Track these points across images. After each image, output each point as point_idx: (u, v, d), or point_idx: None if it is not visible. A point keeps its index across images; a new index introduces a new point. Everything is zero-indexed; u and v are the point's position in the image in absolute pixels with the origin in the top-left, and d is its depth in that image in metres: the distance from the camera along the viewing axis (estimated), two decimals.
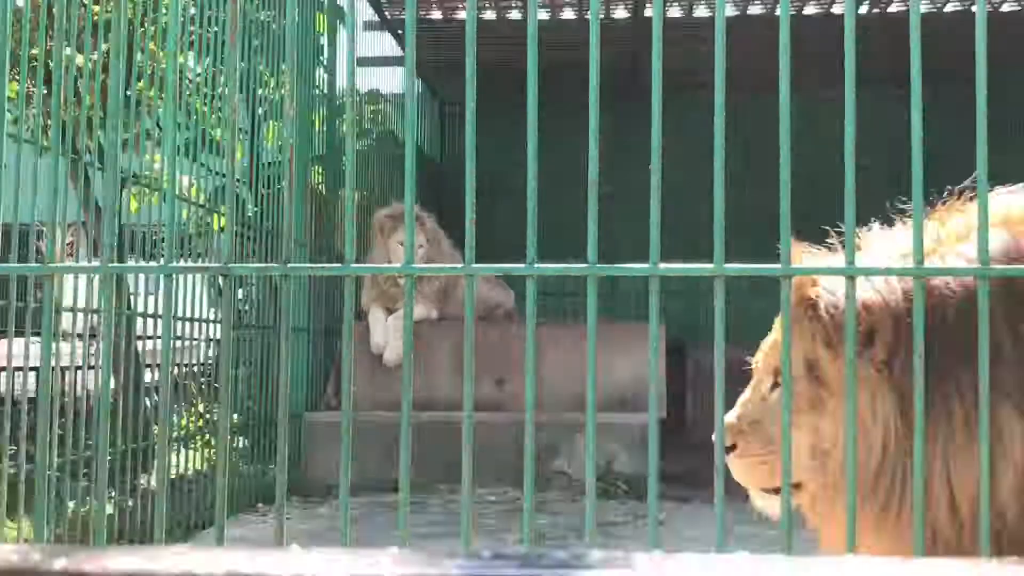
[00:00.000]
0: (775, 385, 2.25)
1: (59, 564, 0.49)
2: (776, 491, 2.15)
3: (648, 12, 8.09)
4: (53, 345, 3.80)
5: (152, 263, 1.90)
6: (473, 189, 1.82)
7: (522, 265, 1.89)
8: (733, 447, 2.25)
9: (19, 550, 0.50)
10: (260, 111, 7.07)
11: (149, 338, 6.43)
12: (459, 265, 1.87)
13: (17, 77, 4.48)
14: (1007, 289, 1.95)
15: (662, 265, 1.69)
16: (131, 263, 5.29)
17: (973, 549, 1.99)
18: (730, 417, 2.27)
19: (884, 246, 2.14)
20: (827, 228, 2.19)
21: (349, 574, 0.55)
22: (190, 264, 1.94)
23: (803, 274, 2.05)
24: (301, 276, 7.23)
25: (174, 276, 1.96)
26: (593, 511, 1.71)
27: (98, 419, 4.67)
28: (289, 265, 1.89)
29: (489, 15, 9.65)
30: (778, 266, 1.76)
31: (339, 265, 1.89)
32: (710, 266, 1.73)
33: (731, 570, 0.54)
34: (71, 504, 4.58)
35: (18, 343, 4.21)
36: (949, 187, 2.20)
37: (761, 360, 2.34)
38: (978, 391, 1.74)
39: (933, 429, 1.98)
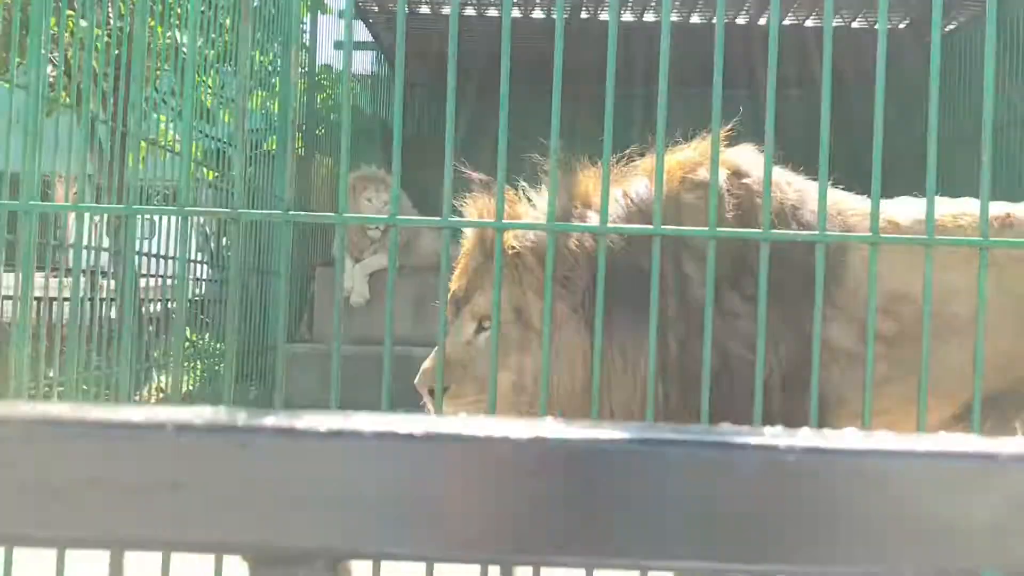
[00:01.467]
0: (479, 329, 2.14)
1: (269, 421, 0.48)
2: None
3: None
4: (70, 278, 3.68)
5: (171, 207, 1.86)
6: (452, 156, 1.82)
7: (492, 220, 1.89)
8: (445, 389, 2.05)
9: (222, 411, 0.49)
10: (248, 82, 6.92)
11: (144, 276, 6.32)
12: (437, 218, 1.87)
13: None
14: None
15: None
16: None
17: None
18: (428, 362, 2.12)
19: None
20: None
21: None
22: (204, 208, 1.90)
23: (457, 226, 1.99)
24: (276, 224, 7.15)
25: (189, 219, 1.93)
26: None
27: (119, 341, 4.60)
28: (290, 212, 1.86)
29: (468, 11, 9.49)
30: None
31: (334, 214, 1.87)
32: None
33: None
34: None
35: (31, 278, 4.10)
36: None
37: (463, 306, 2.19)
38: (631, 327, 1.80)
39: (609, 356, 2.01)
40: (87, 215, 4.65)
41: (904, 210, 2.23)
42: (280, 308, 1.97)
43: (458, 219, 1.90)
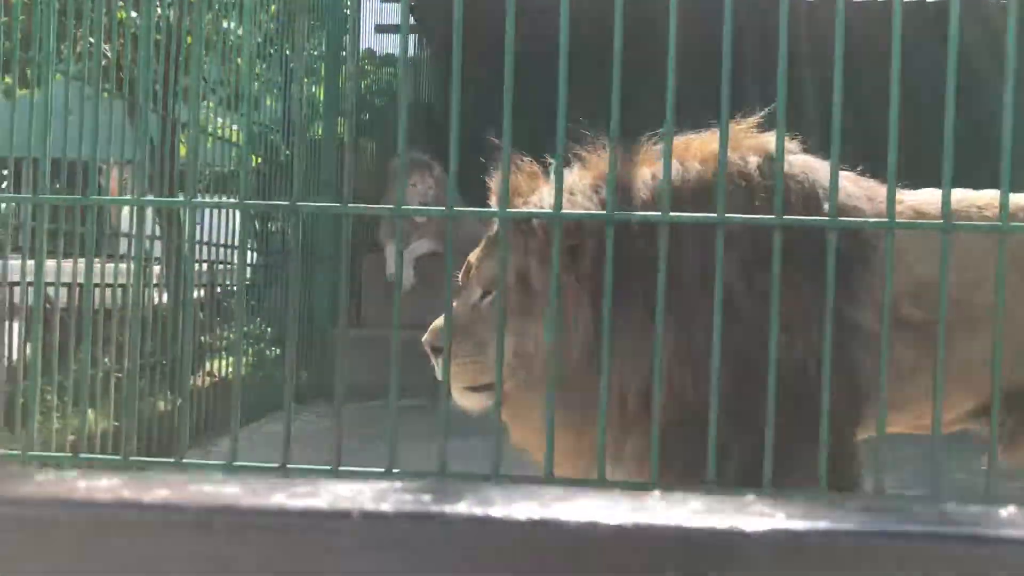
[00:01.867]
0: (484, 294, 2.19)
1: (463, 508, 0.44)
2: (483, 388, 2.14)
3: None
4: (119, 267, 3.74)
5: (231, 199, 1.88)
6: (510, 145, 1.81)
7: (548, 211, 1.89)
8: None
9: (405, 494, 0.46)
10: (292, 67, 6.97)
11: (196, 262, 6.40)
12: (494, 208, 1.87)
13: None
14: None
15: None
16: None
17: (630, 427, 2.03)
18: (438, 322, 2.18)
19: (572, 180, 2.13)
20: None
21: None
22: (263, 201, 1.91)
23: (516, 216, 1.97)
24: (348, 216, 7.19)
25: (249, 212, 1.95)
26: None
27: (183, 329, 4.66)
28: (349, 205, 1.87)
29: None
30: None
31: (391, 207, 1.88)
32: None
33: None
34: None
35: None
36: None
37: (471, 274, 2.25)
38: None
39: (617, 333, 2.00)
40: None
41: (935, 198, 2.19)
42: (340, 299, 1.98)
43: (516, 210, 1.90)
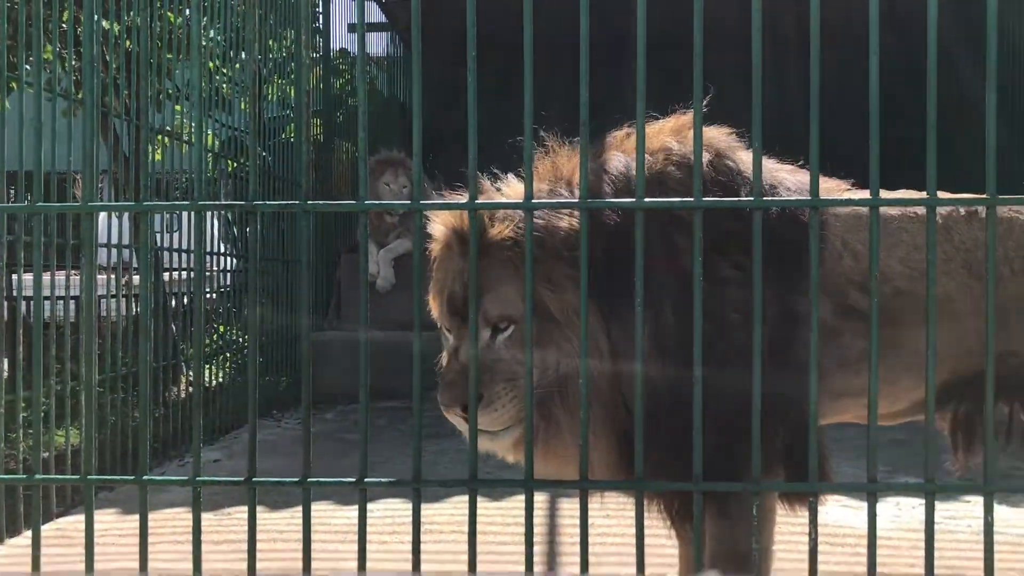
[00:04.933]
0: (495, 332, 2.00)
1: None
2: (508, 431, 1.98)
3: None
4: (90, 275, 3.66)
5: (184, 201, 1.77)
6: (475, 138, 1.72)
7: (464, 201, 1.79)
8: (480, 397, 1.92)
9: None
10: (264, 70, 6.85)
11: (171, 271, 6.28)
12: (462, 202, 1.77)
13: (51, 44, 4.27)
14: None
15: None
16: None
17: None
18: (449, 375, 1.99)
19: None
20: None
21: None
22: (218, 202, 1.82)
23: (484, 207, 1.83)
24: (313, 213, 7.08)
25: (204, 213, 1.85)
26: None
27: (136, 341, 4.55)
28: (309, 202, 1.77)
29: None
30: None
31: (353, 202, 1.78)
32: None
33: None
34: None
35: (56, 276, 4.06)
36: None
37: (456, 312, 2.05)
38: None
39: (615, 336, 1.96)
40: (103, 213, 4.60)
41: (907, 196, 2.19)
42: (303, 299, 1.88)
43: (484, 201, 1.80)
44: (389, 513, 3.47)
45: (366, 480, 1.77)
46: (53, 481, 2.01)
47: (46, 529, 3.51)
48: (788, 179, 2.18)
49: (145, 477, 1.83)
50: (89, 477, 1.88)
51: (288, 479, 1.87)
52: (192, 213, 1.82)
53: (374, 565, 2.92)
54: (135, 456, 4.41)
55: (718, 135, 2.17)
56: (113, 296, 4.56)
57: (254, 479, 1.86)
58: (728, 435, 1.87)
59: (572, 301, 1.94)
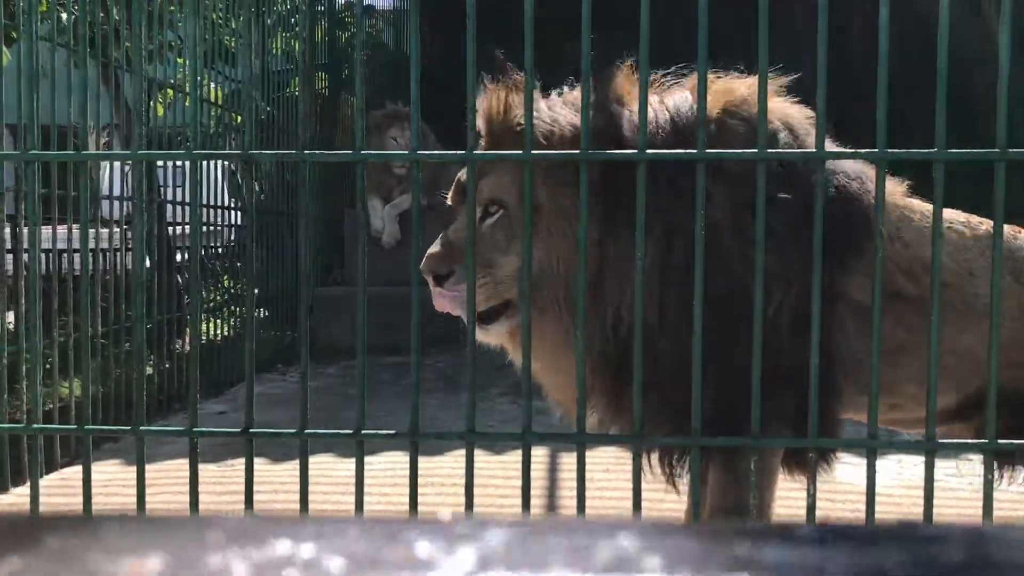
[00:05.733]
0: (485, 214, 2.05)
1: None
2: (494, 314, 2.02)
3: None
4: (91, 227, 3.63)
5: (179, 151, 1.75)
6: (474, 87, 1.68)
7: (519, 152, 1.76)
8: (450, 274, 2.00)
9: None
10: (268, 22, 6.77)
11: (179, 224, 6.26)
12: (460, 152, 1.74)
13: None
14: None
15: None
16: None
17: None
18: (435, 248, 2.04)
19: None
20: None
21: None
22: (213, 151, 1.79)
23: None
24: (313, 166, 7.04)
25: (199, 163, 1.82)
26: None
27: (135, 300, 4.53)
28: (305, 152, 1.74)
29: None
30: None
31: (350, 152, 1.75)
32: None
33: None
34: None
35: (61, 228, 4.04)
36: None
37: (459, 193, 2.12)
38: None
39: (612, 247, 1.95)
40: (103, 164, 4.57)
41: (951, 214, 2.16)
42: (302, 253, 1.86)
43: (482, 152, 1.77)
44: (391, 465, 3.48)
45: (363, 432, 1.76)
46: (51, 431, 2.01)
47: (50, 478, 3.53)
48: (847, 164, 2.10)
49: (142, 428, 1.83)
50: (87, 427, 1.88)
51: (286, 430, 1.87)
52: (190, 163, 1.79)
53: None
54: (148, 407, 4.42)
55: (794, 112, 2.12)
56: (117, 249, 4.55)
57: (251, 430, 1.85)
58: (733, 391, 1.84)
59: (567, 203, 1.94)
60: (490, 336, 2.06)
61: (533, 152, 1.67)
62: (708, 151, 1.59)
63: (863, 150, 1.76)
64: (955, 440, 1.98)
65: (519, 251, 1.91)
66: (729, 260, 1.90)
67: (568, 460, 3.72)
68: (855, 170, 2.09)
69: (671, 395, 1.86)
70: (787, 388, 1.88)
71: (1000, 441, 1.64)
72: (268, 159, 1.76)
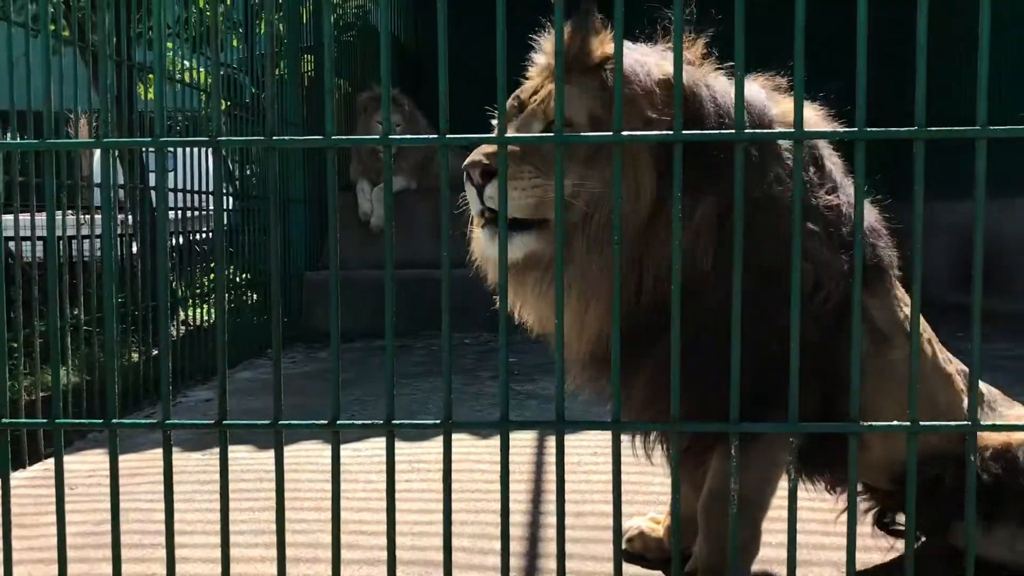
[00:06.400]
0: (547, 128, 1.99)
1: None
2: (535, 225, 1.93)
3: None
4: (61, 215, 3.61)
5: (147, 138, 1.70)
6: (446, 63, 1.63)
7: (493, 135, 1.71)
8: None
9: None
10: (254, 3, 6.70)
11: (171, 209, 6.21)
12: (433, 136, 1.69)
13: None
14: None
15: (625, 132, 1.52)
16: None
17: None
18: (486, 147, 1.93)
19: None
20: None
21: None
22: (180, 138, 1.76)
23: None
24: (297, 151, 6.98)
25: (169, 150, 1.77)
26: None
27: (126, 280, 4.50)
28: (274, 138, 1.70)
29: None
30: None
31: (320, 137, 1.71)
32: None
33: None
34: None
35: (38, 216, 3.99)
36: None
37: (526, 104, 2.05)
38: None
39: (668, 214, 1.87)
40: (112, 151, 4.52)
41: None
42: (272, 239, 1.82)
43: (456, 136, 1.72)
44: (378, 452, 3.45)
45: (338, 423, 1.73)
46: (20, 425, 1.97)
47: (34, 469, 3.50)
48: (868, 220, 2.11)
49: (115, 421, 1.79)
50: (58, 421, 1.84)
51: (260, 422, 1.84)
52: (157, 150, 1.74)
53: (358, 504, 2.90)
54: (123, 396, 4.39)
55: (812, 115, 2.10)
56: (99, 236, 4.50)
57: (225, 422, 1.82)
58: (762, 377, 1.79)
59: (636, 147, 1.86)
60: (514, 248, 1.93)
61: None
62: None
63: (842, 129, 1.72)
64: (938, 423, 1.95)
65: (577, 173, 1.88)
66: (768, 234, 1.89)
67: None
68: (871, 227, 2.09)
69: (700, 377, 1.80)
70: (811, 382, 1.84)
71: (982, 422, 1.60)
72: (234, 145, 1.72)
